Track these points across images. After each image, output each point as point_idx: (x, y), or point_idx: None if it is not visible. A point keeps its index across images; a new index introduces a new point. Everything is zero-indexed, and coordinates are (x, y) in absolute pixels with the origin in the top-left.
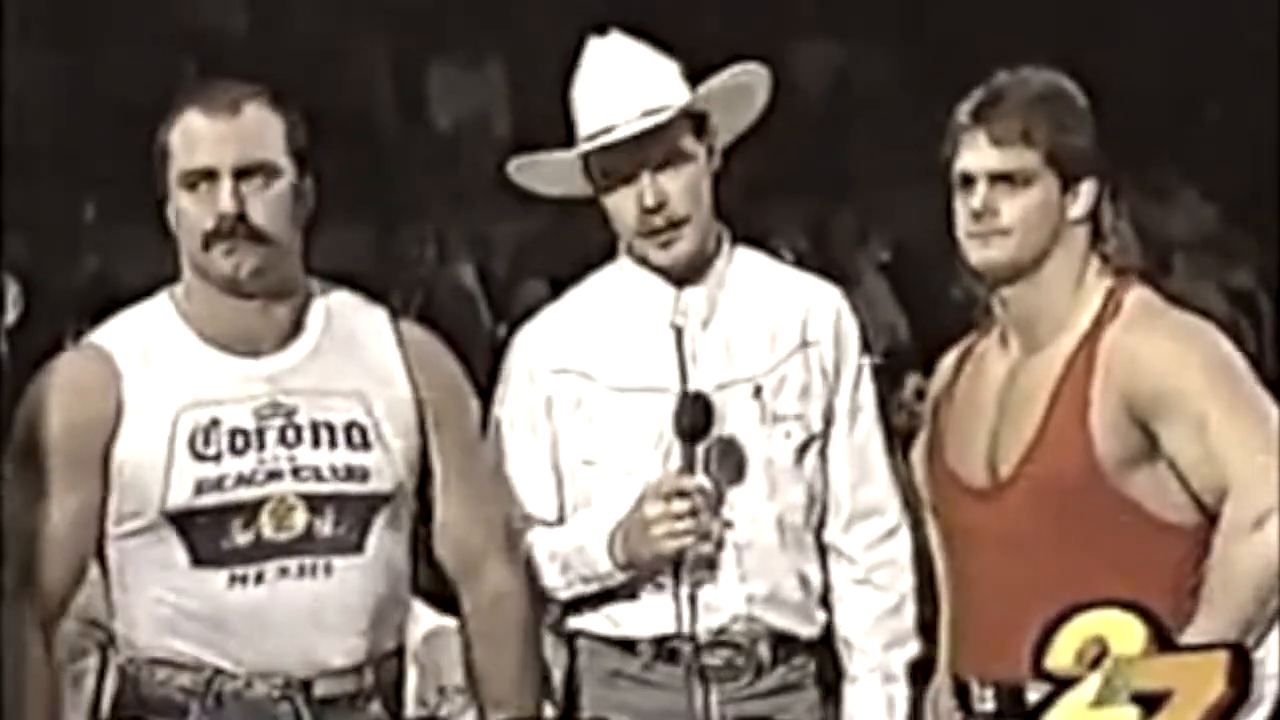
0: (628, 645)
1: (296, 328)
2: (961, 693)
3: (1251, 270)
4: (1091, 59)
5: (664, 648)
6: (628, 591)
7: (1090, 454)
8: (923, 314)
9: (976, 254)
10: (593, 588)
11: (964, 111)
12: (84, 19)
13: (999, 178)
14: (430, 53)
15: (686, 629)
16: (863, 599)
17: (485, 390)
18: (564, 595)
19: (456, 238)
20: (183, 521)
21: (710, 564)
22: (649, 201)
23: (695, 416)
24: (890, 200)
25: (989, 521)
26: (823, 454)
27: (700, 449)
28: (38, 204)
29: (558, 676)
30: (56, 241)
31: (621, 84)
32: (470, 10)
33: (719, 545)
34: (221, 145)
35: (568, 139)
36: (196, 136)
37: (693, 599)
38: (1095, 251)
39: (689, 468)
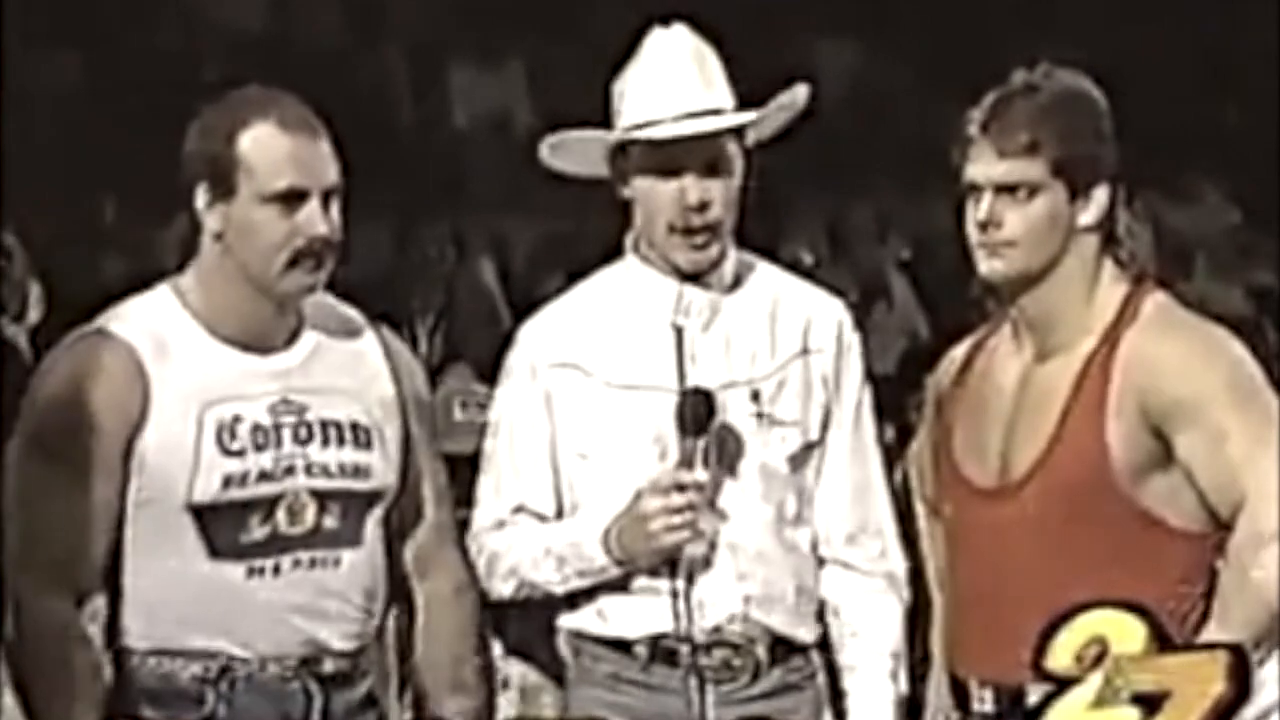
0: (624, 646)
1: (299, 326)
2: (959, 691)
3: (1273, 269)
4: (1114, 61)
5: (660, 648)
6: (624, 591)
7: (1105, 458)
8: (945, 312)
9: (984, 265)
10: (588, 582)
11: (972, 120)
12: (101, 17)
13: (1004, 189)
14: (450, 52)
15: (684, 629)
16: (852, 617)
17: None
18: (559, 590)
19: (476, 236)
20: (204, 514)
21: (706, 563)
22: (693, 200)
23: (697, 411)
24: (910, 198)
25: (997, 522)
26: (819, 469)
27: (700, 444)
28: (59, 205)
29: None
30: (77, 242)
31: (681, 77)
32: (490, 9)
33: (712, 545)
34: (313, 167)
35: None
36: (285, 155)
37: (688, 597)
38: (1110, 255)
39: (688, 462)
